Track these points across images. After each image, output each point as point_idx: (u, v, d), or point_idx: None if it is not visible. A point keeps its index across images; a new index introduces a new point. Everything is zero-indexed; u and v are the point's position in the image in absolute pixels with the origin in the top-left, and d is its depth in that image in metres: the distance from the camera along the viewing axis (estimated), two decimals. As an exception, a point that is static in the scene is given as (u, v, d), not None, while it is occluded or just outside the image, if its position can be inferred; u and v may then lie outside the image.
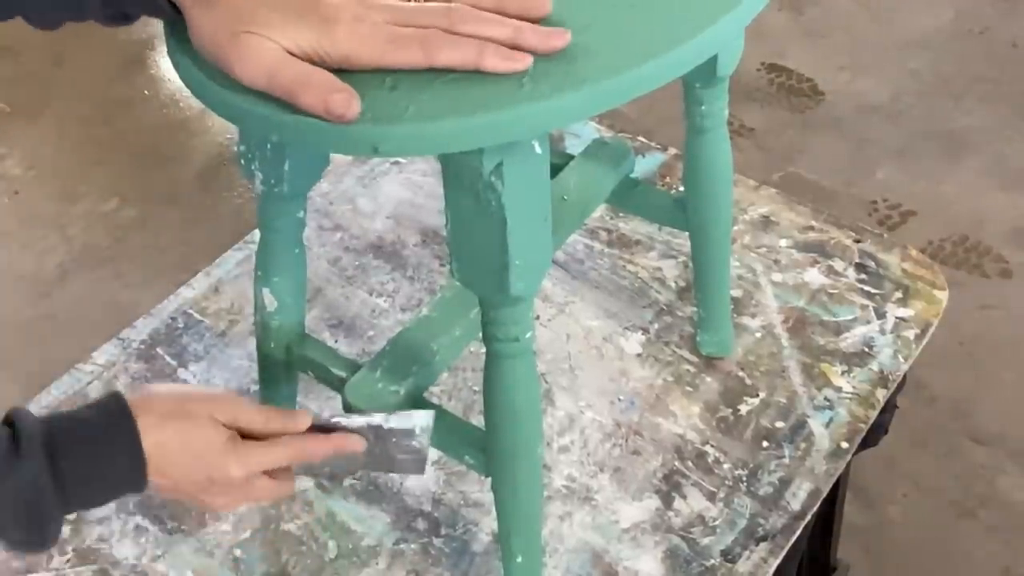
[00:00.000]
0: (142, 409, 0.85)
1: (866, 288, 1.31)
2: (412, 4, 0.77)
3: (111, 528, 1.13)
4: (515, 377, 0.92)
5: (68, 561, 1.11)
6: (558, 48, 0.75)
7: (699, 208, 1.14)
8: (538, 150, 0.81)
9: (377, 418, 0.91)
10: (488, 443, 0.97)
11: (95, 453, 0.83)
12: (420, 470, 0.94)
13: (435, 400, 1.16)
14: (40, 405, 1.23)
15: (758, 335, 1.27)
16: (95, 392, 1.24)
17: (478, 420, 1.00)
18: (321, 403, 1.21)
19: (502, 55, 0.74)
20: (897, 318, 1.28)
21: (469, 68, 0.74)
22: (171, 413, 0.86)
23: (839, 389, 1.21)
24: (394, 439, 0.92)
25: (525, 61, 0.74)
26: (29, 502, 0.80)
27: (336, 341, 1.28)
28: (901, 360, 1.24)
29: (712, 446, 1.17)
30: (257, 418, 0.89)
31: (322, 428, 0.91)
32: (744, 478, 1.15)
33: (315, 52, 0.75)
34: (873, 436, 1.24)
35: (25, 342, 2.24)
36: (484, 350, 0.93)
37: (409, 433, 0.91)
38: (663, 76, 0.76)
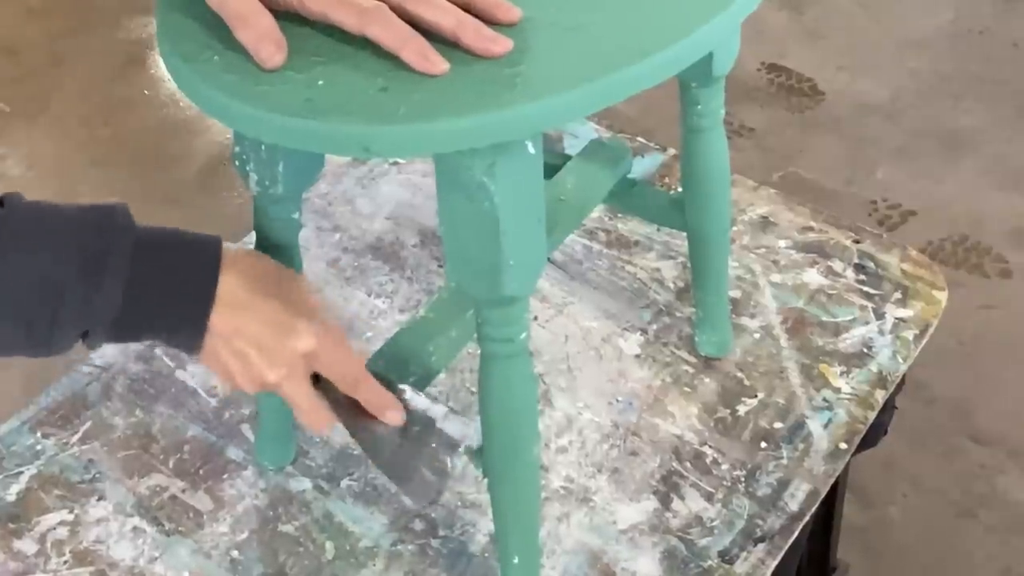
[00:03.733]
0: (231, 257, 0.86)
1: (865, 289, 1.31)
2: None
3: (108, 529, 1.13)
4: (510, 378, 0.92)
5: (66, 563, 1.11)
6: (495, 54, 0.75)
7: (697, 208, 1.14)
8: (531, 150, 0.81)
9: (437, 410, 0.92)
10: (485, 444, 0.97)
11: (172, 255, 0.83)
12: (428, 496, 0.93)
13: (432, 401, 1.16)
14: (39, 406, 1.23)
15: (757, 336, 1.27)
16: (94, 393, 1.24)
17: (476, 421, 1.00)
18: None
19: (422, 53, 0.75)
20: (896, 319, 1.28)
21: (392, 52, 0.75)
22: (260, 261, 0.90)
23: (838, 390, 1.21)
24: (434, 444, 0.91)
25: (439, 67, 0.74)
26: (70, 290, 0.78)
27: (334, 342, 1.28)
28: (900, 361, 1.24)
29: (710, 447, 1.17)
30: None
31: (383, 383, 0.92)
32: (742, 479, 1.14)
33: None
34: (872, 436, 1.24)
35: (25, 343, 2.24)
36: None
37: (453, 445, 0.91)
38: (657, 75, 0.76)
